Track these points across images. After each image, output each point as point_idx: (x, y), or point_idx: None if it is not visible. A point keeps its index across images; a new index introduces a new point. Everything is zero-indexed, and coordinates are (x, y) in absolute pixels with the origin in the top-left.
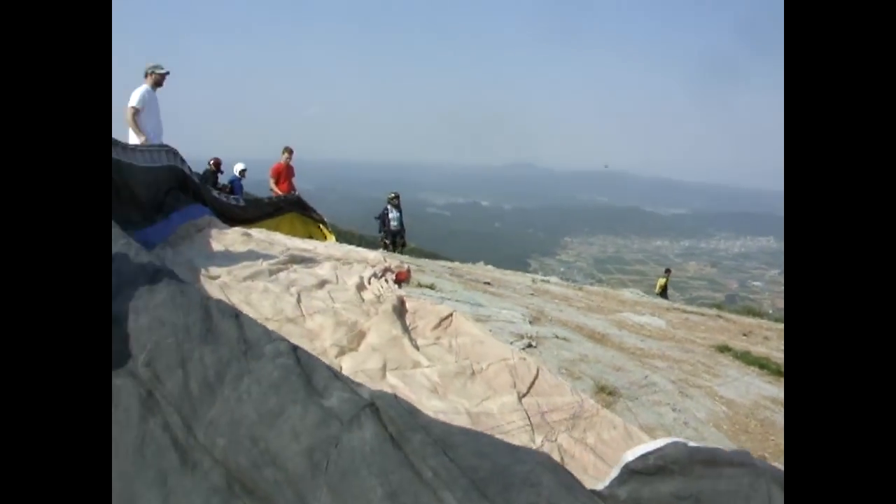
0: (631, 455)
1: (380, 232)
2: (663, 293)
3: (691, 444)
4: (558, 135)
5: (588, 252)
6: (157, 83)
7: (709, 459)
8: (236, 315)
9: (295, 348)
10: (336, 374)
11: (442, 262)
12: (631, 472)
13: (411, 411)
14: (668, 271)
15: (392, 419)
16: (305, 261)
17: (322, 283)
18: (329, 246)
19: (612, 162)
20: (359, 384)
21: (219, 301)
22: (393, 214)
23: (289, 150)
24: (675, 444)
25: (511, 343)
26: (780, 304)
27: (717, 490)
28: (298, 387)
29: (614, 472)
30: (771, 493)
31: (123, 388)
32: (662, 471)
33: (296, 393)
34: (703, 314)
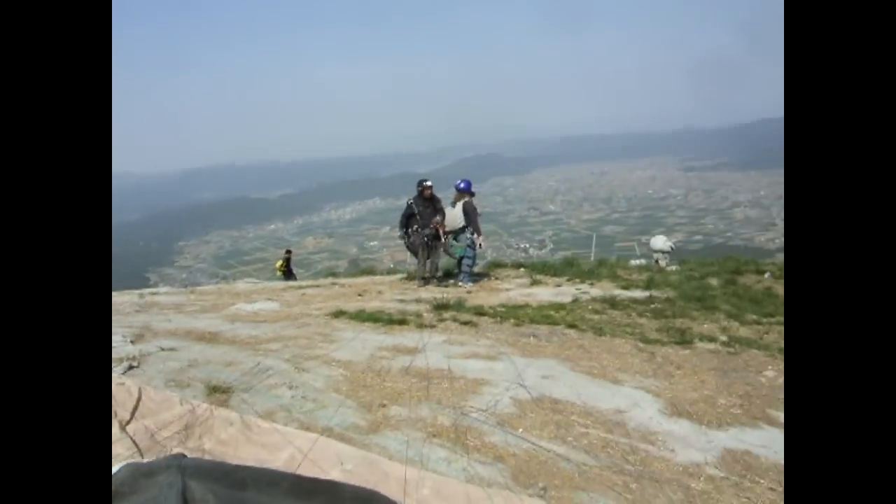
0: None
1: None
2: (288, 273)
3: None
4: (155, 136)
5: (207, 251)
6: None
7: None
8: None
9: None
10: None
11: None
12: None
13: None
14: (288, 252)
15: None
16: None
17: None
18: None
19: (217, 156)
20: None
21: None
22: None
23: None
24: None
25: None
26: (399, 257)
27: None
28: None
29: None
30: None
31: None
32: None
33: None
34: (318, 285)
